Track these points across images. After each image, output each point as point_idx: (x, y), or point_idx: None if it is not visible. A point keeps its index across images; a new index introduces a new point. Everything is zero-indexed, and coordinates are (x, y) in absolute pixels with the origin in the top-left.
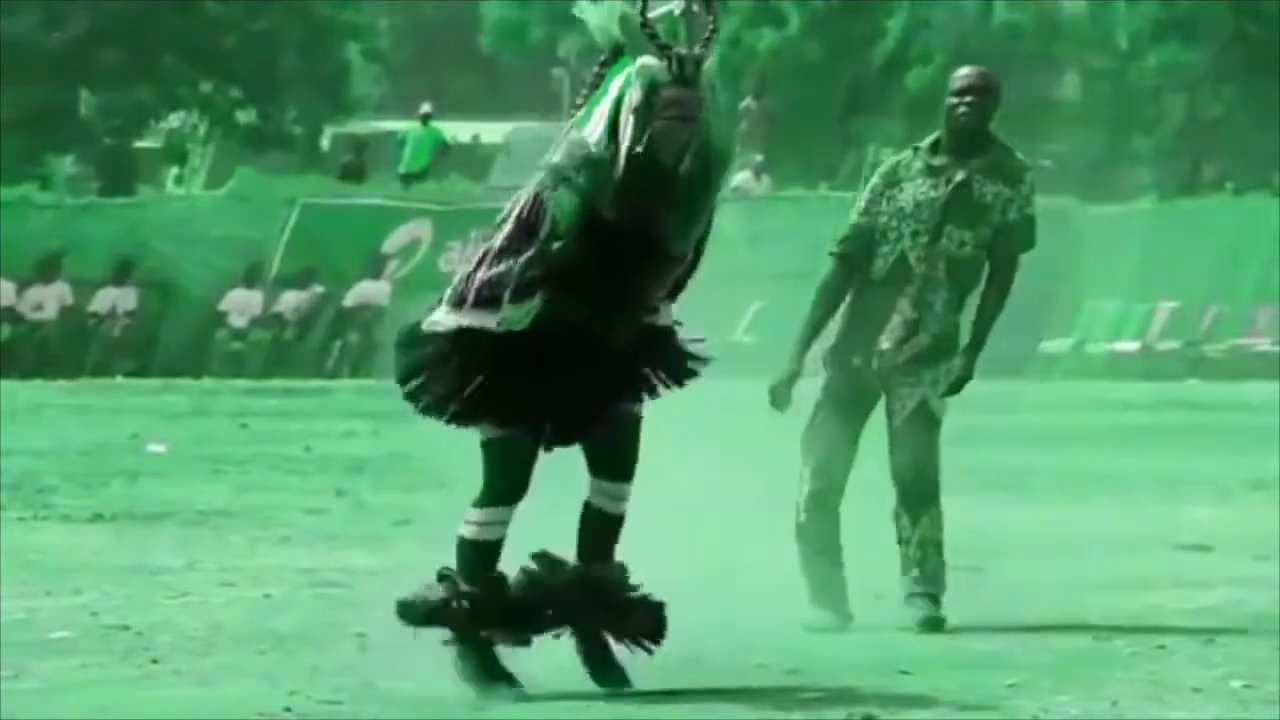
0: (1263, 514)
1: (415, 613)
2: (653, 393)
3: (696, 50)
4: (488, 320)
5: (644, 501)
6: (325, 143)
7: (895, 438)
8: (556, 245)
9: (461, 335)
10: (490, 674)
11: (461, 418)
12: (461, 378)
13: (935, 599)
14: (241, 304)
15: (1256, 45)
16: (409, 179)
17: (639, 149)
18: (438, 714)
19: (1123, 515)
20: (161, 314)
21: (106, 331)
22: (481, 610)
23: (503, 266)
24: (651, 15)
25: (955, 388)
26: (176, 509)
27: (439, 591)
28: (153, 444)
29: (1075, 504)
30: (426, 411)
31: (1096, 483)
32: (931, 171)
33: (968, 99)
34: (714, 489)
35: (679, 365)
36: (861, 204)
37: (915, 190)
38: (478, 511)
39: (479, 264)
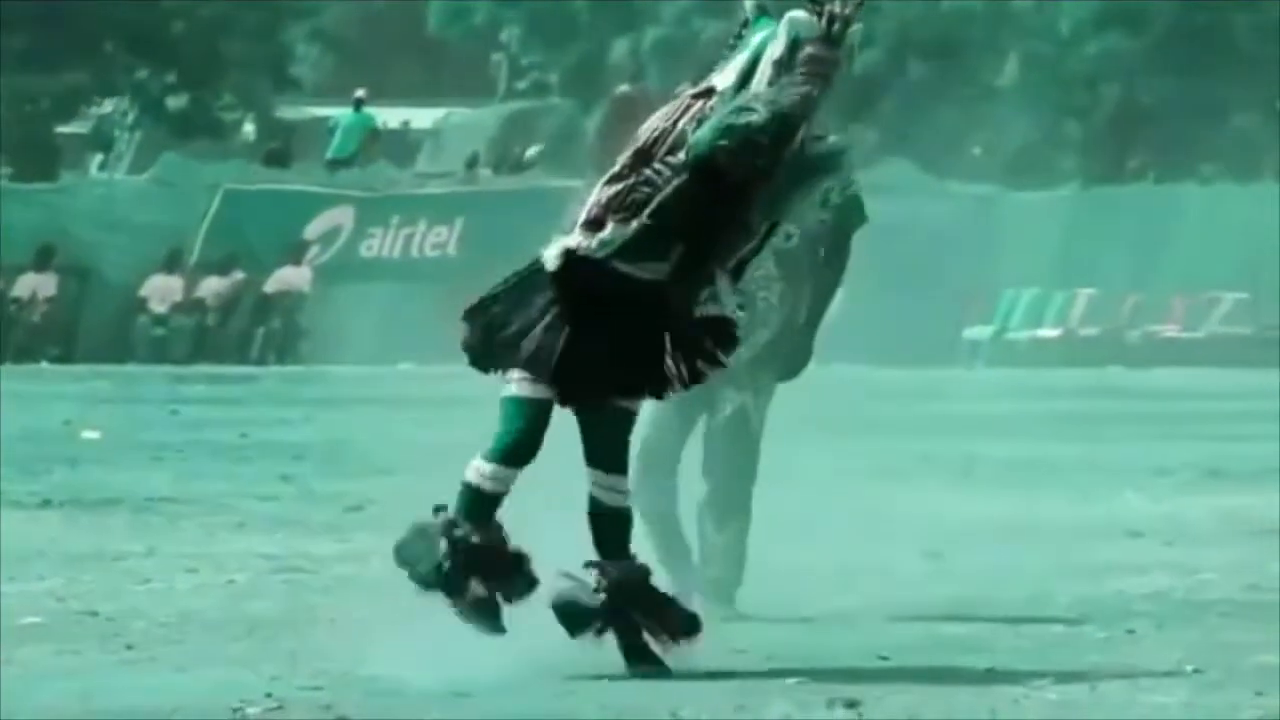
0: (1199, 500)
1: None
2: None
3: (846, 11)
4: (589, 240)
5: None
6: (250, 129)
7: (711, 439)
8: (669, 172)
9: (533, 275)
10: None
11: (493, 361)
12: (509, 317)
13: (728, 601)
14: (162, 290)
15: (1201, 36)
16: (336, 165)
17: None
18: (419, 699)
19: (1070, 502)
20: (81, 300)
21: (27, 317)
22: (478, 552)
23: (614, 189)
24: None
25: (793, 371)
26: (124, 495)
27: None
28: (87, 430)
29: (1021, 491)
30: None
31: (1038, 469)
32: None
33: None
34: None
35: (698, 364)
36: None
37: None
38: (488, 465)
39: (599, 187)
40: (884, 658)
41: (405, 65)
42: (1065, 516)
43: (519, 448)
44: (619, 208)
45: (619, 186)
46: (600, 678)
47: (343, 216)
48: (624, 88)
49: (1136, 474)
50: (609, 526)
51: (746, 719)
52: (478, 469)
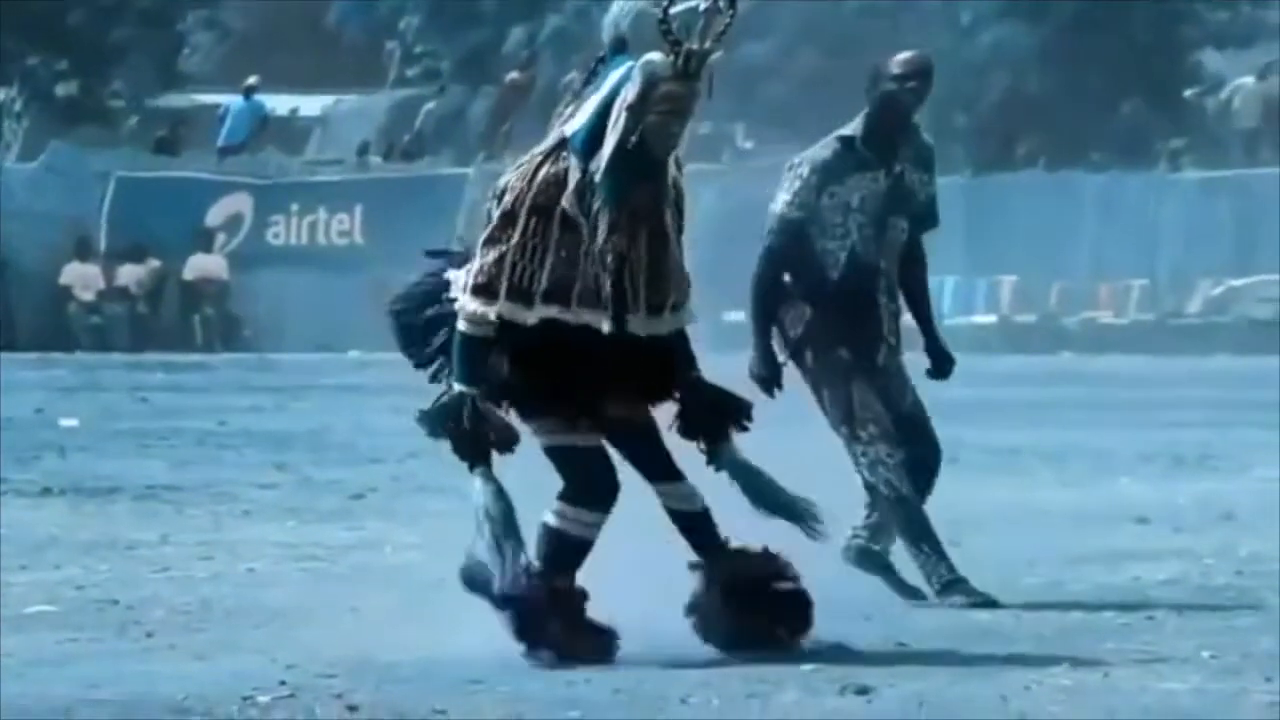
0: (1183, 486)
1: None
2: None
3: (706, 45)
4: (488, 309)
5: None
6: (139, 117)
7: (913, 424)
8: (540, 235)
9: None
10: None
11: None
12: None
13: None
14: (83, 278)
15: (1099, 27)
16: (227, 152)
17: (631, 143)
18: (435, 687)
19: (1068, 488)
20: (3, 288)
21: None
22: (555, 611)
23: (493, 255)
24: (674, 10)
25: (946, 371)
26: (122, 483)
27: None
28: (64, 419)
29: (1015, 477)
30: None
31: (1026, 456)
32: (867, 164)
33: (911, 84)
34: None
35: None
36: (790, 197)
37: (858, 185)
38: (563, 504)
39: (480, 246)
40: (902, 644)
41: (298, 53)
42: (1067, 503)
43: (582, 490)
44: (514, 288)
45: (497, 252)
46: (614, 664)
47: (241, 204)
48: (514, 75)
49: (1125, 460)
50: (696, 528)
51: (756, 705)
52: (553, 508)
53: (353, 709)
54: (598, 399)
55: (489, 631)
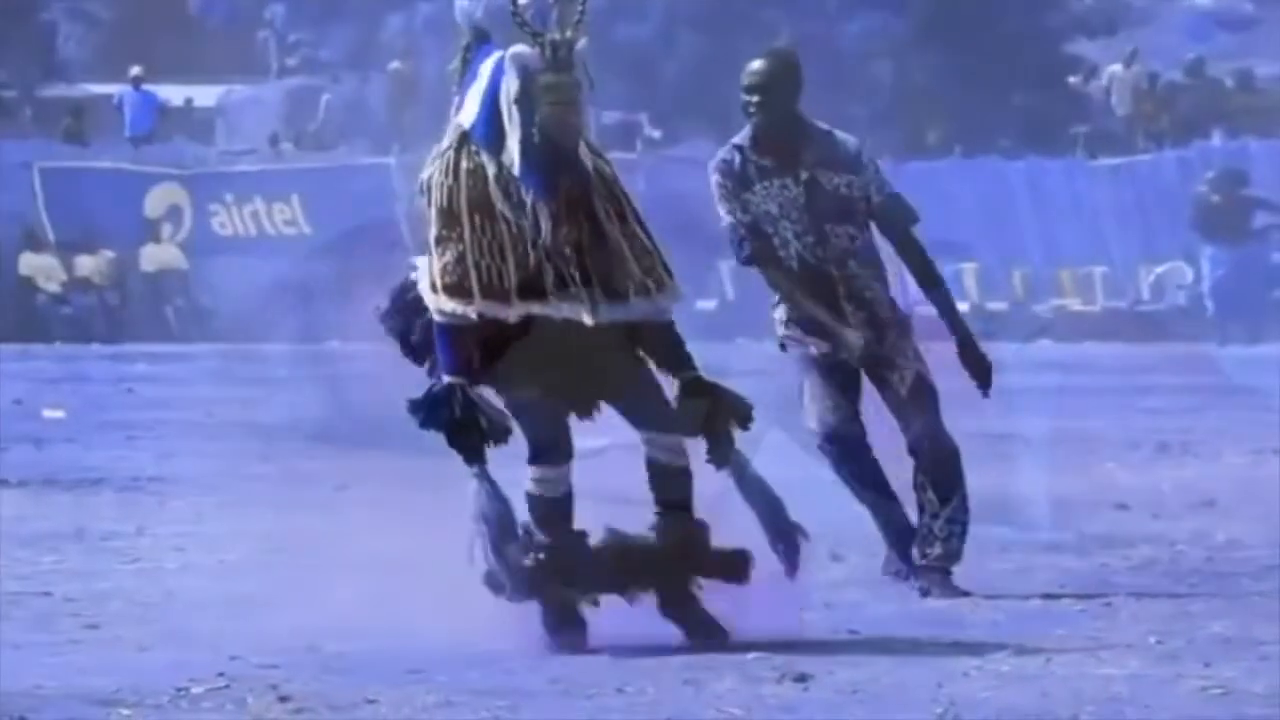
0: (1166, 473)
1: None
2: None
3: (567, 34)
4: (468, 308)
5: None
6: (30, 109)
7: (903, 410)
8: (491, 230)
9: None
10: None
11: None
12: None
13: (949, 575)
14: (43, 269)
15: (963, 13)
16: (137, 142)
17: (535, 136)
18: (373, 677)
19: (1052, 475)
20: None
21: None
22: (558, 564)
23: (450, 254)
24: (523, 1)
25: (988, 374)
26: (107, 475)
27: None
28: (47, 410)
29: (996, 464)
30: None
31: (1010, 443)
32: (766, 172)
33: (755, 98)
34: None
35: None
36: (728, 205)
37: (769, 193)
38: (530, 468)
39: (432, 248)
40: (854, 631)
41: (169, 43)
42: (1049, 489)
43: (543, 446)
44: (485, 286)
45: (454, 251)
46: (552, 654)
47: (175, 195)
48: (395, 64)
49: (1111, 447)
50: (667, 483)
51: (691, 692)
52: (528, 474)
53: (284, 699)
54: (576, 383)
55: (443, 621)
